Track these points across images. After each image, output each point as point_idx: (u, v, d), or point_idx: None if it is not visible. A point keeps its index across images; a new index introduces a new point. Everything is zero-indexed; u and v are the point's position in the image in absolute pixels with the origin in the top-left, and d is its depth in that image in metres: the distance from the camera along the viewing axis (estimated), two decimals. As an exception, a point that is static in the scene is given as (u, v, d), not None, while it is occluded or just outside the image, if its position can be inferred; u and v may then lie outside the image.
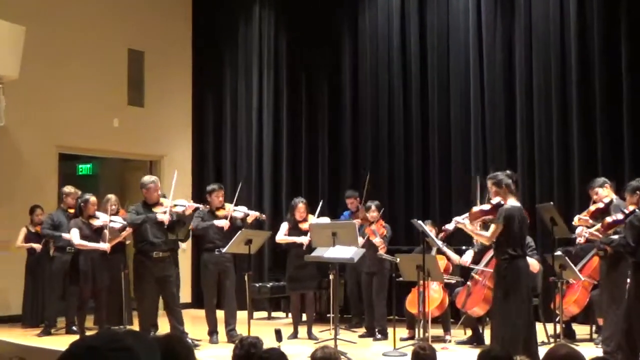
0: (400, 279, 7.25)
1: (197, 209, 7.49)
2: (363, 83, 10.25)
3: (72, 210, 8.50)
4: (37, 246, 8.83)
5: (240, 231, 7.17)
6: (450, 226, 6.44)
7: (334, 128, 10.51)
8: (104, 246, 7.90)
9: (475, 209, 6.16)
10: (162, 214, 7.24)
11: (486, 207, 6.02)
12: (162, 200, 7.38)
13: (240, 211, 7.83)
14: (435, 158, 9.52)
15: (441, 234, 6.94)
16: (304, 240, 7.83)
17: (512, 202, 5.88)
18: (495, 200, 5.93)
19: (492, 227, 5.86)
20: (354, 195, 9.08)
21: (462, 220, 6.11)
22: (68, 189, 8.73)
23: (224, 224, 7.61)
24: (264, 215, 8.12)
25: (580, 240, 6.79)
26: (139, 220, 7.24)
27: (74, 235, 7.91)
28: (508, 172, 6.06)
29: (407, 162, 9.74)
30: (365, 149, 10.12)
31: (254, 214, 7.83)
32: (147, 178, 7.47)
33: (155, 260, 7.20)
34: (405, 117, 9.83)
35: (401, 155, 9.79)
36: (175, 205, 7.37)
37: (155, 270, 7.20)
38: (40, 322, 8.65)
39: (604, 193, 6.75)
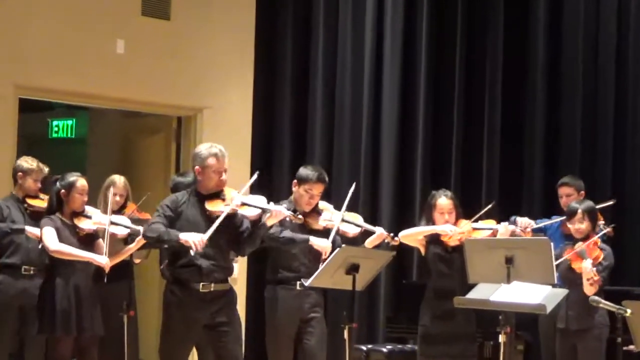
0: (632, 347, 7.16)
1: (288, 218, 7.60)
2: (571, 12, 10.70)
3: (33, 202, 8.87)
4: None
5: (338, 249, 7.29)
6: None
7: (511, 81, 10.92)
8: (102, 260, 8.12)
9: None
10: (215, 216, 7.22)
11: None
12: (227, 191, 7.41)
13: (353, 224, 7.97)
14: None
15: None
16: (448, 230, 8.03)
17: None
18: None
19: None
20: (574, 184, 9.23)
21: None
22: (27, 163, 9.01)
23: (325, 246, 7.69)
24: (396, 239, 8.06)
25: None
26: (165, 235, 7.14)
27: (48, 236, 8.08)
28: None
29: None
30: (571, 116, 10.50)
31: (380, 234, 7.97)
32: (204, 147, 7.49)
33: (204, 297, 7.31)
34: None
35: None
36: (244, 205, 7.36)
37: (201, 314, 7.32)
38: None
39: None
